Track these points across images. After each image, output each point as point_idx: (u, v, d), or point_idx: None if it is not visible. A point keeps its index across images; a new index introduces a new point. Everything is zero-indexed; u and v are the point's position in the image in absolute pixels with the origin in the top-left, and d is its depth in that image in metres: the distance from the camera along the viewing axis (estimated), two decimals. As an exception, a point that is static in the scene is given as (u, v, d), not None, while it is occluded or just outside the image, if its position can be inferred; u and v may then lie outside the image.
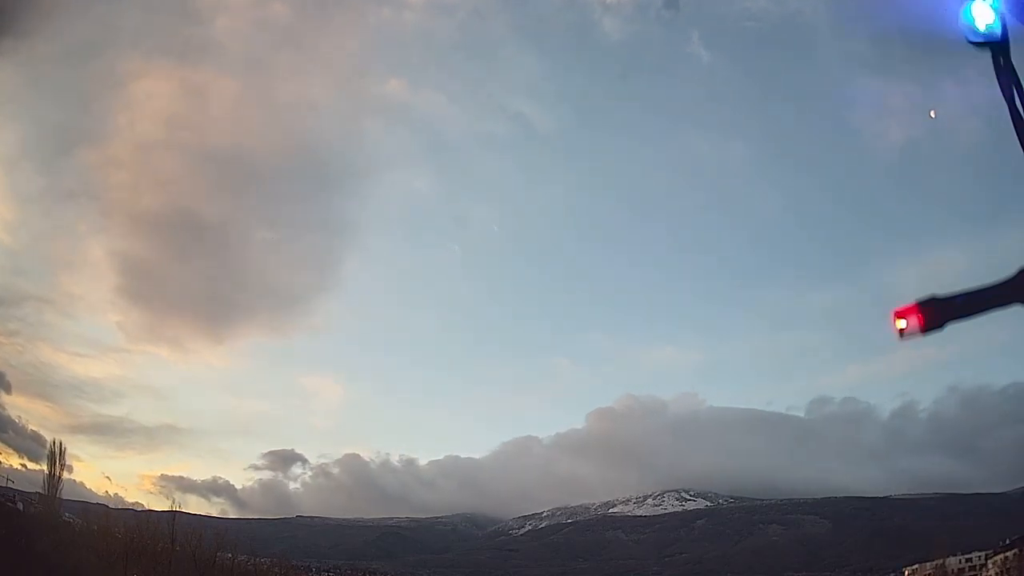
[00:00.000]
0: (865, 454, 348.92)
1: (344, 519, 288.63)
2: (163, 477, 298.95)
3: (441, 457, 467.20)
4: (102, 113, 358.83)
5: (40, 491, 70.74)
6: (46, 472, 68.39)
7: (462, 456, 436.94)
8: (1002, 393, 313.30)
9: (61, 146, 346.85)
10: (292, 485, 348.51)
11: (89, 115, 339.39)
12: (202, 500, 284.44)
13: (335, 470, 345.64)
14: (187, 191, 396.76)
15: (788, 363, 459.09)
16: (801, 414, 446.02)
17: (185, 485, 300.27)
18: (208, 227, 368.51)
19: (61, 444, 70.08)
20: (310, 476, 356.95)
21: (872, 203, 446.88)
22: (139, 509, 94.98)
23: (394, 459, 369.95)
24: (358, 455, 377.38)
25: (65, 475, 70.13)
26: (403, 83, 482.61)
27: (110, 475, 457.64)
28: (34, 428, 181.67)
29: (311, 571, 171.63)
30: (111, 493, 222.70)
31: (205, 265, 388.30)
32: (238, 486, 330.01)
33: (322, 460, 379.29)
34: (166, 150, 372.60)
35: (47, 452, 68.55)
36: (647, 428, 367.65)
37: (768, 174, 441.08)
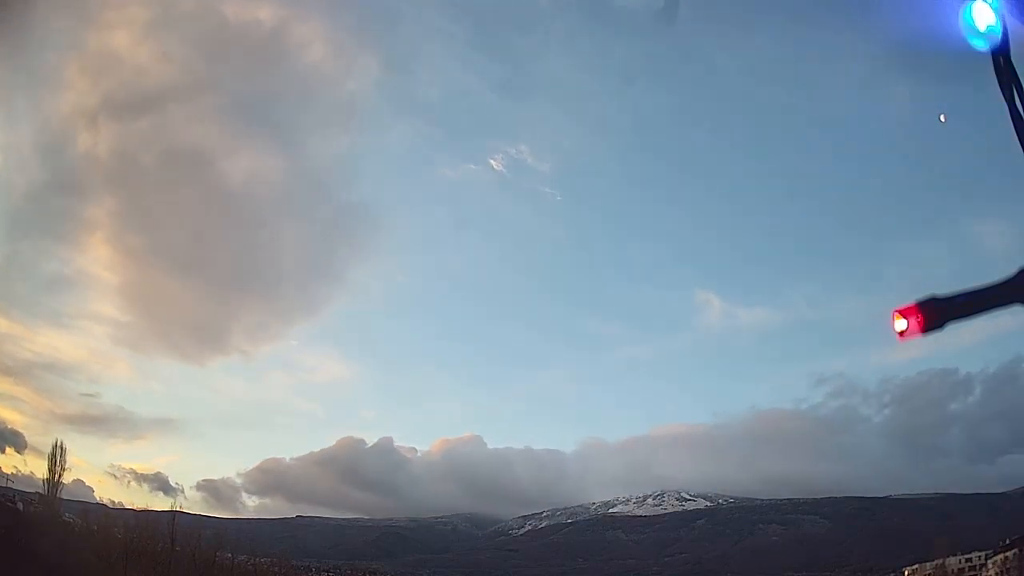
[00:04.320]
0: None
1: (344, 519, 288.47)
2: (155, 472, 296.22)
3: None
4: (62, 51, 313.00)
5: (40, 491, 70.96)
6: (46, 473, 68.62)
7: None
8: None
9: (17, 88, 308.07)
10: (291, 482, 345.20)
11: (50, 52, 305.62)
12: (195, 497, 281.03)
13: (333, 463, 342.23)
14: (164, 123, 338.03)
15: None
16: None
17: (175, 480, 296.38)
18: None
19: (62, 444, 70.31)
20: (310, 472, 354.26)
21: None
22: (139, 509, 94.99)
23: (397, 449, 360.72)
24: (359, 446, 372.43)
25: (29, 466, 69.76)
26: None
27: (97, 468, 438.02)
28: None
29: (311, 571, 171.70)
30: (86, 485, 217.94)
31: (196, 233, 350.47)
32: (236, 483, 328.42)
33: (321, 453, 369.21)
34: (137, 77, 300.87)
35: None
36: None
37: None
